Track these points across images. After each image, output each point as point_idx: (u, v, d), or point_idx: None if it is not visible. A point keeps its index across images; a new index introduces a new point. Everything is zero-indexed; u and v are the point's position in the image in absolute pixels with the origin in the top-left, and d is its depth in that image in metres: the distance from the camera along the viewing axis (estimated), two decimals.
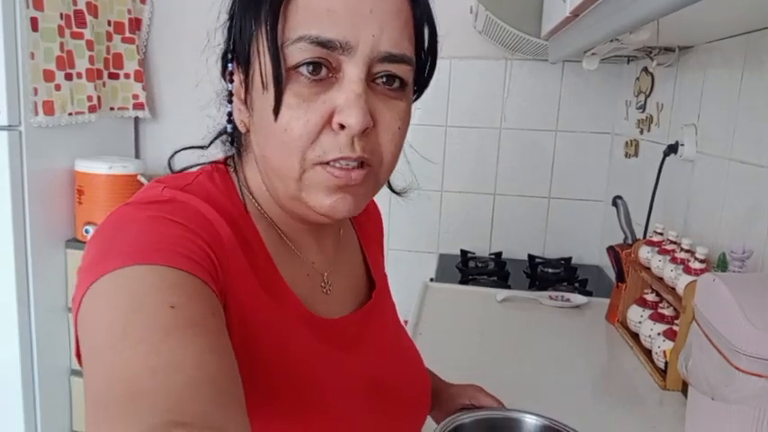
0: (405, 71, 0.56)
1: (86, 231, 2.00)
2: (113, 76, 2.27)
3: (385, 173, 0.59)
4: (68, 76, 1.96)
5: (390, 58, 0.54)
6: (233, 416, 0.39)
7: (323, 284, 0.65)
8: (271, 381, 0.55)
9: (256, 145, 0.58)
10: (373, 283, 0.74)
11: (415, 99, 0.62)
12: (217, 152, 0.65)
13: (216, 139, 0.65)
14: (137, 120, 2.44)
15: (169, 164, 0.63)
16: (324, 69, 0.53)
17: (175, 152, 0.64)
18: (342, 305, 0.67)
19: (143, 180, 2.06)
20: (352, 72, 0.53)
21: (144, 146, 2.48)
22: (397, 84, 0.56)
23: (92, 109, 2.07)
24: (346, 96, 0.52)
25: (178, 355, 0.40)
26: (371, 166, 0.56)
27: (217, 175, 0.61)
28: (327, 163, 0.54)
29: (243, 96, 0.58)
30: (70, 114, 1.97)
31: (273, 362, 0.55)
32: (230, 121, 0.60)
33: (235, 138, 0.63)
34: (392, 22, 0.53)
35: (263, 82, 0.54)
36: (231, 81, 0.59)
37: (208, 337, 0.43)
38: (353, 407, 0.61)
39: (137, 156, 2.45)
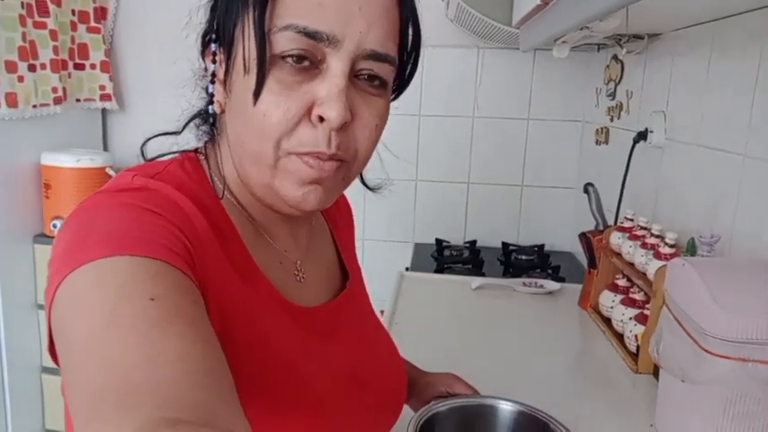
0: (387, 71, 0.56)
1: (54, 226, 1.96)
2: (79, 67, 2.21)
3: (357, 168, 0.59)
4: (32, 68, 1.91)
5: (375, 56, 0.54)
6: (229, 405, 0.38)
7: (296, 272, 0.65)
8: (253, 369, 0.54)
9: (232, 128, 0.58)
10: (346, 273, 0.74)
11: (393, 99, 0.62)
12: (190, 138, 0.63)
13: (190, 121, 0.63)
14: (104, 111, 2.38)
15: (142, 150, 0.62)
16: (307, 60, 0.53)
17: (148, 139, 0.62)
18: (316, 294, 0.67)
19: (111, 173, 2.02)
20: (336, 66, 0.53)
21: (112, 138, 2.42)
22: (377, 82, 0.56)
23: (57, 101, 2.02)
24: (328, 89, 0.53)
25: (170, 346, 0.39)
26: (345, 161, 0.57)
27: (188, 163, 0.60)
28: (302, 154, 0.54)
29: (222, 77, 0.57)
30: (35, 107, 1.92)
31: (255, 350, 0.55)
32: (211, 102, 0.59)
33: (209, 120, 0.62)
34: (379, 20, 0.54)
35: (245, 65, 0.54)
36: (214, 62, 0.57)
37: (194, 327, 0.42)
38: (335, 395, 0.61)
39: (105, 148, 2.40)
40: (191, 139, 0.64)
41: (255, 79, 0.52)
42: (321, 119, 0.53)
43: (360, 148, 0.57)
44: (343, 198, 0.82)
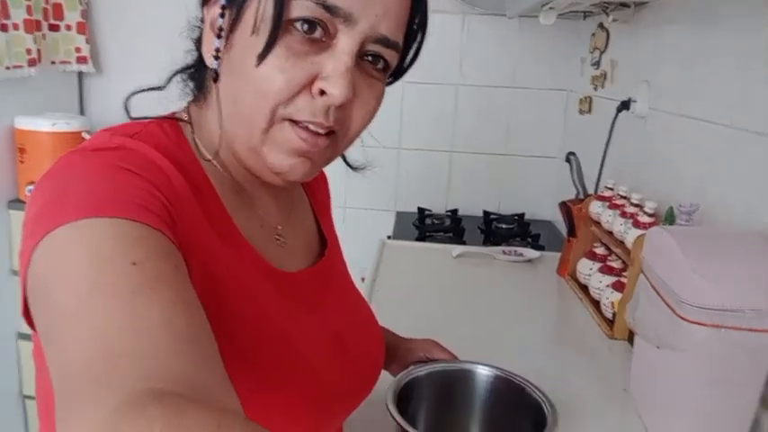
0: (392, 56, 0.57)
1: (29, 191, 1.92)
2: (54, 28, 2.14)
3: (345, 146, 0.60)
4: (4, 27, 1.85)
5: (384, 42, 0.55)
6: (214, 374, 0.38)
7: (277, 237, 0.64)
8: (238, 334, 0.53)
9: (225, 86, 0.56)
10: (325, 241, 0.74)
11: (388, 84, 0.62)
12: (174, 99, 0.62)
13: (176, 74, 0.61)
14: (80, 74, 2.32)
15: (125, 106, 0.60)
16: (319, 31, 0.52)
17: (132, 93, 0.61)
18: (296, 260, 0.66)
19: (88, 138, 1.98)
20: (346, 44, 0.53)
21: (89, 102, 2.37)
22: (381, 65, 0.57)
23: (31, 62, 1.96)
24: (335, 65, 0.52)
25: (153, 314, 0.38)
26: (336, 137, 0.57)
27: (167, 124, 0.58)
28: (297, 122, 0.54)
29: (226, 33, 0.55)
30: (8, 68, 1.87)
31: (241, 315, 0.54)
32: (206, 56, 0.57)
33: (196, 77, 0.61)
34: (394, 8, 0.54)
35: (255, 25, 0.52)
36: (222, 15, 0.55)
37: (178, 293, 0.41)
38: (320, 359, 0.61)
39: (81, 112, 2.35)
40: (175, 101, 0.62)
41: (265, 41, 0.51)
42: (322, 92, 0.53)
43: (352, 126, 0.57)
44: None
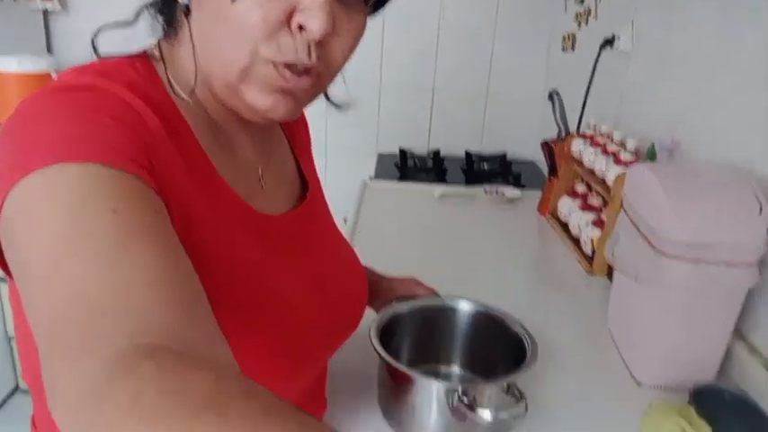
0: None
1: None
2: None
3: (328, 82, 0.57)
4: None
5: None
6: (205, 325, 0.36)
7: (258, 179, 0.63)
8: (220, 279, 0.52)
9: (197, 21, 0.53)
10: (306, 183, 0.73)
11: (369, 14, 0.59)
12: (142, 34, 0.58)
13: (145, 8, 0.58)
14: (45, 13, 2.22)
15: (93, 44, 0.57)
16: None
17: (99, 30, 0.57)
18: (278, 202, 0.65)
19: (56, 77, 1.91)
20: None
21: (55, 42, 2.27)
22: None
23: None
24: None
25: (136, 266, 0.36)
26: (319, 75, 0.54)
27: (138, 62, 0.55)
28: (279, 63, 0.51)
29: None
30: None
31: (222, 259, 0.53)
32: None
33: (166, 10, 0.57)
34: None
35: None
36: None
37: (160, 243, 0.39)
38: (305, 305, 0.61)
39: (49, 52, 2.26)
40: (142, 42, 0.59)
41: None
42: (301, 28, 0.50)
43: (334, 62, 0.55)
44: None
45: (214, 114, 0.58)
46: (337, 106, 0.70)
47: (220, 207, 0.55)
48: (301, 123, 0.79)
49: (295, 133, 0.76)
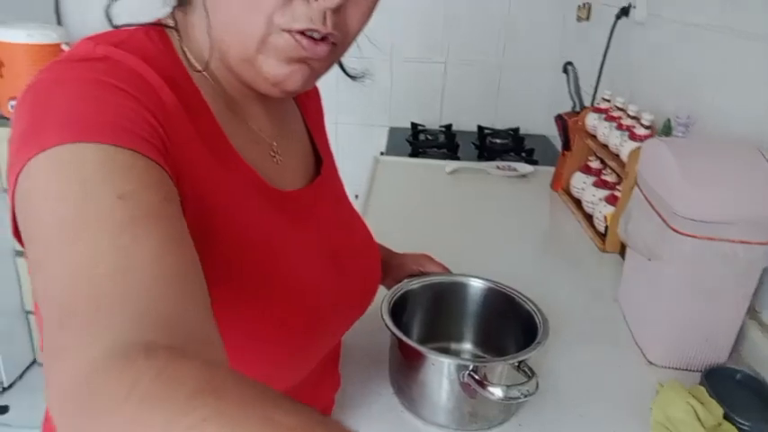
0: None
1: (12, 107, 1.87)
2: None
3: (343, 51, 0.57)
4: None
5: None
6: (200, 314, 0.37)
7: (272, 154, 0.62)
8: (231, 254, 0.52)
9: None
10: (320, 159, 0.72)
11: None
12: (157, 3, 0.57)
13: None
14: None
15: (106, 13, 0.56)
16: None
17: None
18: (293, 177, 0.65)
19: (67, 49, 1.90)
20: None
21: (66, 11, 2.25)
22: None
23: None
24: None
25: (141, 251, 0.37)
26: (335, 44, 0.54)
27: (153, 32, 0.55)
28: (295, 31, 0.51)
29: None
30: None
31: (234, 234, 0.53)
32: None
33: None
34: None
35: None
36: None
37: (168, 229, 0.39)
38: (314, 276, 0.61)
39: (58, 23, 2.24)
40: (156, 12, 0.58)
41: None
42: None
43: (350, 30, 0.54)
44: None
45: (228, 88, 0.58)
46: (352, 77, 0.70)
47: (236, 181, 0.55)
48: (314, 96, 0.79)
49: (308, 107, 0.75)
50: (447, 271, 0.86)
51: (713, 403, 0.75)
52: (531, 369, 0.67)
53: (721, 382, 0.81)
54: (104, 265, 0.36)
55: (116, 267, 0.36)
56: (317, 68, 0.54)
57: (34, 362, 2.21)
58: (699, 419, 0.72)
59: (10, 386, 2.11)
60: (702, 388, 0.79)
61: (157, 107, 0.47)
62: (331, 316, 0.62)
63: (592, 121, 1.36)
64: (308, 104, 0.76)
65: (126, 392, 0.28)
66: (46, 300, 0.36)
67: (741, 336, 0.87)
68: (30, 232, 0.40)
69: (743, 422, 0.73)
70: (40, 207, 0.39)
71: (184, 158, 0.48)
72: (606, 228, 1.22)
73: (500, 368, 0.69)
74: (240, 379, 0.29)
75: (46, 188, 0.40)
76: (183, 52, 0.55)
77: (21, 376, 2.15)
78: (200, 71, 0.55)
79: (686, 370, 0.86)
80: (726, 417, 0.74)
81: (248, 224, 0.55)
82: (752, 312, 0.90)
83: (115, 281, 0.35)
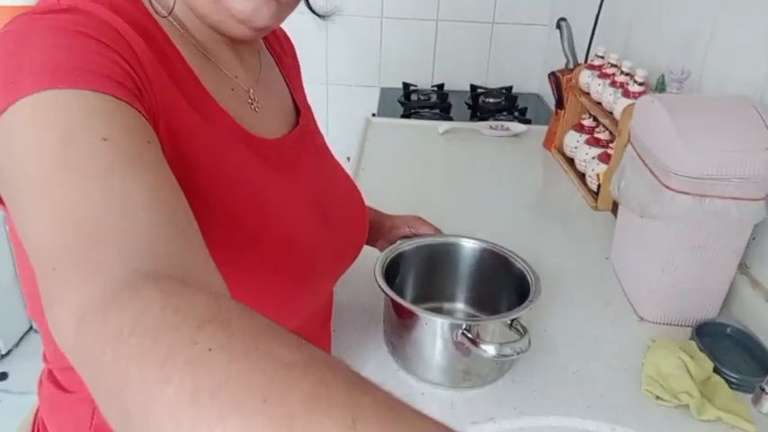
0: None
1: None
2: None
3: None
4: None
5: None
6: (198, 254, 0.36)
7: (250, 101, 0.61)
8: (214, 201, 0.52)
9: None
10: (299, 109, 0.71)
11: None
12: None
13: None
14: None
15: None
16: None
17: None
18: (272, 125, 0.64)
19: None
20: None
21: None
22: None
23: None
24: None
25: (131, 192, 0.36)
26: None
27: None
28: None
29: None
30: None
31: (215, 180, 0.52)
32: None
33: None
34: None
35: None
36: None
37: (153, 171, 0.39)
38: (302, 227, 0.61)
39: None
40: None
41: None
42: None
43: None
44: (284, 33, 0.78)
45: (197, 33, 0.57)
46: (320, 16, 0.68)
47: (215, 130, 0.54)
48: (287, 46, 0.77)
49: (281, 54, 0.74)
50: (438, 232, 0.86)
51: (703, 357, 0.77)
52: (523, 327, 0.68)
53: (711, 336, 0.82)
54: (93, 205, 0.35)
55: (106, 205, 0.35)
56: (283, 2, 0.54)
57: (30, 329, 2.22)
58: (689, 373, 0.73)
59: (8, 353, 2.12)
60: (693, 343, 0.80)
61: (128, 54, 0.46)
62: (321, 263, 0.62)
63: (585, 78, 1.34)
64: (281, 54, 0.74)
65: (134, 323, 0.28)
66: (37, 246, 0.35)
67: (732, 291, 0.88)
68: (12, 185, 0.39)
69: (732, 375, 0.75)
70: (21, 156, 0.38)
71: (160, 104, 0.48)
72: (599, 186, 1.22)
73: (492, 326, 0.70)
74: (245, 311, 0.29)
75: (26, 136, 0.39)
76: (150, 1, 0.53)
77: (17, 344, 2.17)
78: (165, 17, 0.53)
79: (677, 325, 0.87)
80: (715, 370, 0.76)
81: (229, 171, 0.54)
82: (742, 268, 0.90)
83: (107, 218, 0.34)
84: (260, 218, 0.56)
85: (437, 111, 1.90)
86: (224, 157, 0.54)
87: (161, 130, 0.47)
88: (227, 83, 0.59)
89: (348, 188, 0.75)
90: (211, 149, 0.53)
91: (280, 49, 0.74)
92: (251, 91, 0.62)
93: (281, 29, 0.75)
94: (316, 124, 0.75)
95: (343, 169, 0.76)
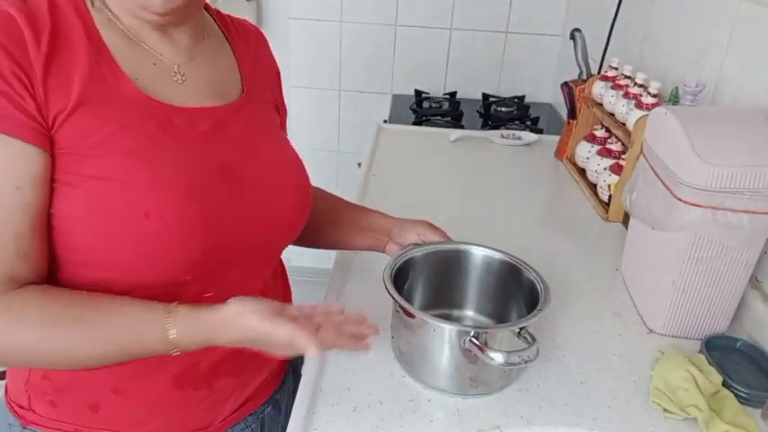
0: None
1: None
2: None
3: None
4: None
5: None
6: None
7: (174, 74, 0.70)
8: (103, 163, 0.60)
9: None
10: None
11: None
12: None
13: None
14: None
15: None
16: None
17: None
18: (198, 96, 0.71)
19: None
20: None
21: None
22: None
23: None
24: None
25: None
26: None
27: None
28: None
29: None
30: None
31: (112, 146, 0.61)
32: None
33: None
34: None
35: None
36: None
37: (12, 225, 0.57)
38: (203, 182, 0.66)
39: None
40: None
41: None
42: None
43: None
44: (255, 28, 0.87)
45: (125, 20, 0.66)
46: None
47: (110, 86, 0.63)
48: (254, 36, 0.85)
49: (239, 42, 0.82)
50: (447, 237, 0.86)
51: (712, 371, 0.76)
52: (531, 336, 0.68)
53: (721, 350, 0.81)
54: None
55: None
56: None
57: None
58: (698, 387, 0.72)
59: None
60: (702, 356, 0.79)
61: (20, 45, 0.57)
62: (227, 221, 0.68)
63: (598, 89, 1.34)
64: (240, 42, 0.82)
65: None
66: None
67: (742, 305, 0.87)
68: None
69: (741, 389, 0.74)
70: None
71: (57, 87, 0.59)
72: (610, 197, 1.22)
73: (501, 334, 0.70)
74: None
75: None
76: None
77: None
78: (92, 6, 0.65)
79: (686, 338, 0.86)
80: (724, 384, 0.75)
81: (130, 135, 0.63)
82: (753, 282, 0.90)
83: None
84: (143, 169, 0.63)
85: (449, 118, 1.90)
86: (124, 123, 0.63)
87: (57, 110, 0.59)
88: (149, 58, 0.68)
89: (286, 168, 0.78)
90: (112, 115, 0.62)
91: (238, 39, 0.82)
92: (177, 66, 0.70)
93: (252, 24, 0.87)
94: (271, 111, 0.82)
95: (292, 153, 0.81)
